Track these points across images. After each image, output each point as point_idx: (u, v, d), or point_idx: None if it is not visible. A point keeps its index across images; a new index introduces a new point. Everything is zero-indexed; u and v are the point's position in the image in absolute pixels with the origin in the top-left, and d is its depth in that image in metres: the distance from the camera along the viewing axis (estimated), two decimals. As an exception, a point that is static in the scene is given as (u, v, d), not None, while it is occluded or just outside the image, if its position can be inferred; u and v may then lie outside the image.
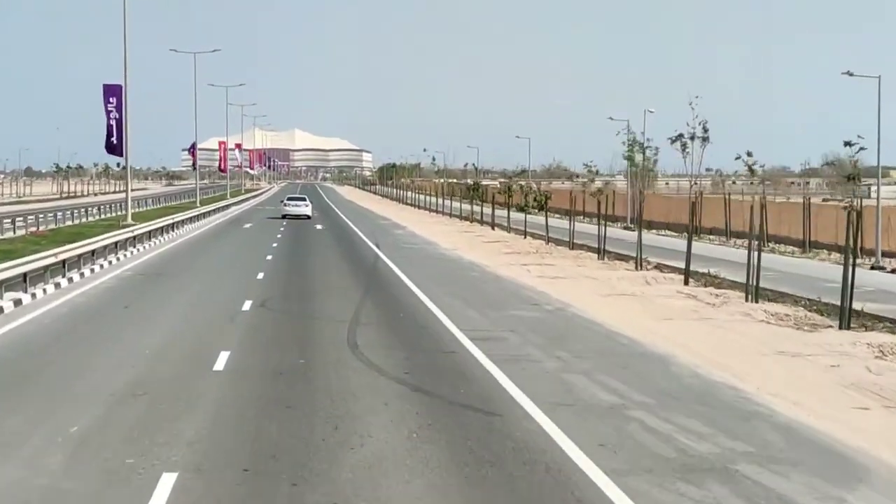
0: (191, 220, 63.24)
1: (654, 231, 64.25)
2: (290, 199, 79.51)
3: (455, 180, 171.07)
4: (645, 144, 47.34)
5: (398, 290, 28.44)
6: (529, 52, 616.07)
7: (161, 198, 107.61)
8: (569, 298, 26.54)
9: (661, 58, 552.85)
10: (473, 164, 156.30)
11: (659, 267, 36.06)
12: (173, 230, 54.06)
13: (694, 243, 33.42)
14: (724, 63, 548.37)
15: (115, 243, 39.59)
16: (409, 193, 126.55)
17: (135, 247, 42.44)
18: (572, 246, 45.70)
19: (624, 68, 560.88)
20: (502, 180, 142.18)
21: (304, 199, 79.29)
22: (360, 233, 56.78)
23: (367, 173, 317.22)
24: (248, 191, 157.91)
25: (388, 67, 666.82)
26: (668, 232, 64.69)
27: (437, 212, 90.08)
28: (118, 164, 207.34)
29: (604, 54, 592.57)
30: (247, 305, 24.06)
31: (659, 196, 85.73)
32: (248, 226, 63.45)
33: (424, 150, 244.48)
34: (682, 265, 32.42)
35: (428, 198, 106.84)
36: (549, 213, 55.39)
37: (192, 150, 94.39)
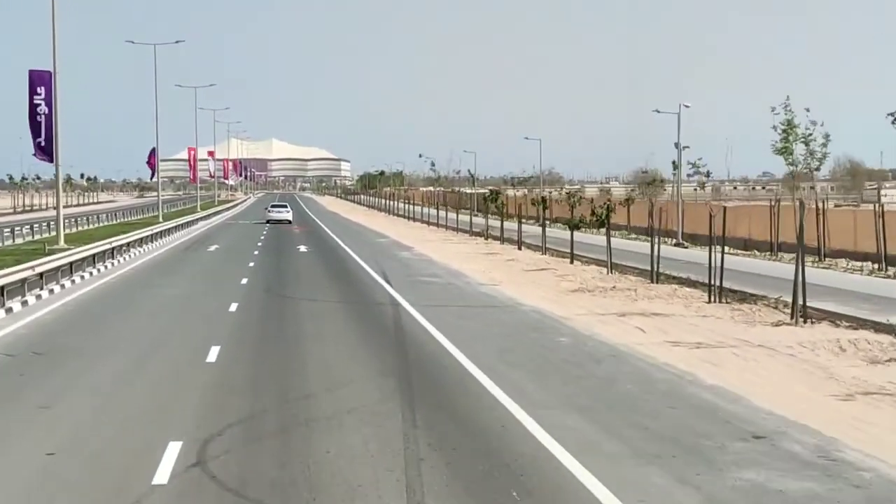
0: (144, 240, 49.95)
1: (734, 251, 51.71)
2: (273, 206, 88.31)
3: (452, 189, 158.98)
4: (809, 133, 34.00)
5: (462, 394, 15.11)
6: (507, 55, 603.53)
7: (123, 212, 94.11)
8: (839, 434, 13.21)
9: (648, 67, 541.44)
10: (469, 171, 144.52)
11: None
12: (116, 256, 40.79)
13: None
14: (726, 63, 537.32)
15: (23, 280, 26.65)
16: (397, 203, 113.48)
17: (54, 284, 29.40)
18: (656, 277, 32.57)
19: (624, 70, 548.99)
20: (502, 187, 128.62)
21: (285, 206, 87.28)
22: (356, 257, 43.64)
23: (348, 182, 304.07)
24: (222, 202, 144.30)
25: (366, 76, 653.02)
26: (746, 252, 51.83)
27: (436, 225, 76.99)
28: (81, 175, 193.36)
29: (592, 55, 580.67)
30: (167, 468, 10.88)
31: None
32: (213, 248, 50.15)
33: (420, 155, 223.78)
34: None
35: (418, 208, 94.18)
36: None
37: (152, 157, 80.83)
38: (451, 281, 33.64)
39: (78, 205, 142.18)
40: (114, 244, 40.51)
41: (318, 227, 73.45)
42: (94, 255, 37.07)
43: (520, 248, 49.91)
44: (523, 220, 55.07)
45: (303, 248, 49.50)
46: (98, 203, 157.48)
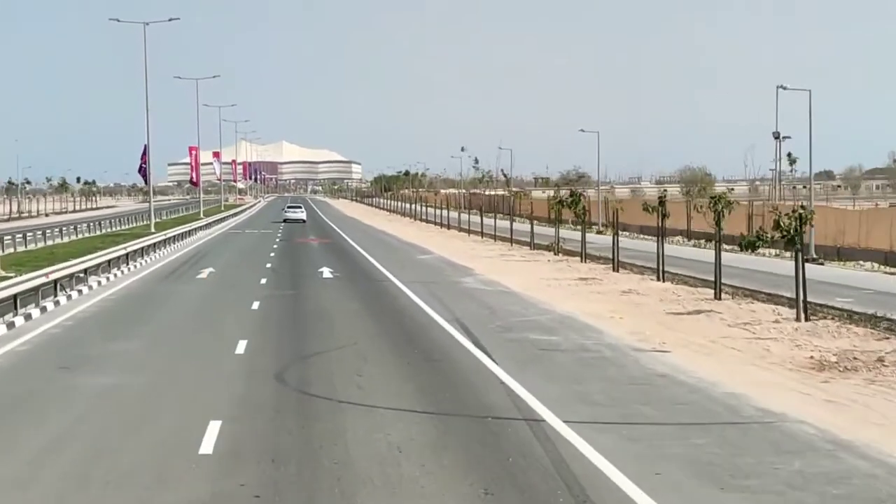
0: (114, 263, 36.68)
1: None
2: (289, 207, 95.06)
3: (480, 190, 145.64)
4: None
5: None
6: (520, 54, 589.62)
7: (116, 219, 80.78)
8: None
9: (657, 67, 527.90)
10: (503, 171, 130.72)
11: None
12: (59, 294, 27.48)
13: None
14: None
15: None
16: (420, 207, 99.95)
17: None
18: (804, 312, 19.20)
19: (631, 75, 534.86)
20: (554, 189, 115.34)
21: (300, 207, 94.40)
22: (405, 289, 30.32)
23: (360, 185, 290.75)
24: (229, 207, 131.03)
25: (376, 77, 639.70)
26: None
27: (477, 233, 63.63)
28: (78, 179, 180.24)
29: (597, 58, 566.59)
30: None
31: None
32: (205, 273, 36.55)
33: (462, 149, 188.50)
34: None
35: (442, 212, 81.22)
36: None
37: (143, 155, 67.43)
38: (580, 341, 20.17)
39: (65, 211, 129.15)
40: (51, 276, 26.94)
41: (341, 239, 60.14)
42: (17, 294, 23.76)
43: (616, 270, 36.54)
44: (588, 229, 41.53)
45: (327, 274, 36.06)
46: (95, 209, 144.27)
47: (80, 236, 61.85)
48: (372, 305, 26.43)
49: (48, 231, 60.20)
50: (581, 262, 40.33)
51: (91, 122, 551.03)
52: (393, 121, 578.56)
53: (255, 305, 26.07)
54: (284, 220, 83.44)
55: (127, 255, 39.60)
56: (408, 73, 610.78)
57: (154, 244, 47.36)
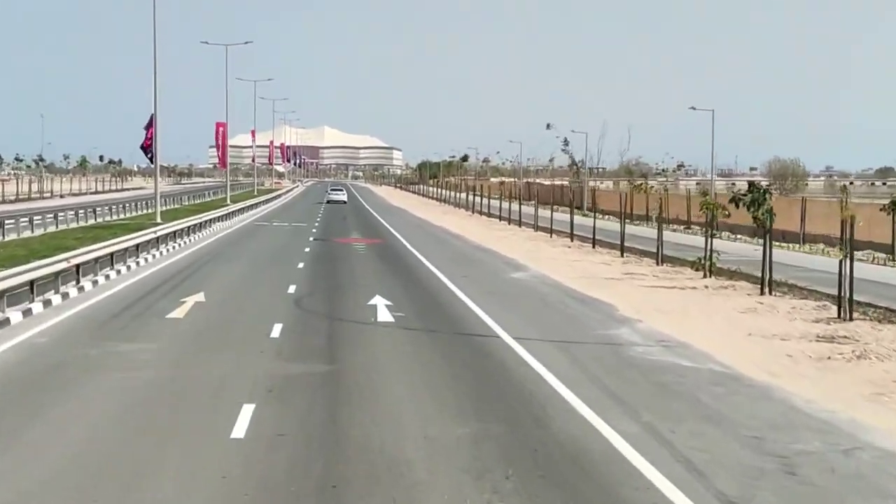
0: (77, 274, 22.70)
1: None
2: (332, 189, 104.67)
3: (533, 180, 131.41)
4: None
5: None
6: (563, 44, 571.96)
7: (124, 205, 67.01)
8: None
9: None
10: (574, 160, 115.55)
11: None
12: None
13: None
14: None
15: None
16: (471, 196, 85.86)
17: None
18: None
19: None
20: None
21: (341, 189, 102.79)
22: (536, 364, 15.75)
23: (405, 171, 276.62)
24: (263, 192, 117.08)
25: (419, 63, 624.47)
26: None
27: (559, 233, 49.45)
28: (102, 158, 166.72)
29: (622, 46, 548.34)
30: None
31: None
32: (184, 308, 21.74)
33: (548, 126, 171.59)
34: None
35: (500, 203, 68.40)
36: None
37: (149, 128, 52.99)
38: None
39: (84, 192, 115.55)
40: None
41: (393, 239, 45.70)
42: None
43: (767, 292, 22.19)
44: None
45: (384, 311, 21.46)
46: (121, 190, 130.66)
47: (50, 230, 47.75)
48: (495, 430, 11.97)
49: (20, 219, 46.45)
50: (765, 293, 25.67)
51: (124, 98, 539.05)
52: (435, 107, 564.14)
53: (244, 420, 11.81)
54: (328, 202, 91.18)
55: (114, 254, 25.43)
56: (452, 59, 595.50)
57: (138, 245, 33.18)
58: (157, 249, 35.82)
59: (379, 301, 23.00)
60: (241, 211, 66.48)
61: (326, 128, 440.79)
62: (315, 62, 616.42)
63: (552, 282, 29.00)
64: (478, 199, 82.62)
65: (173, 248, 38.24)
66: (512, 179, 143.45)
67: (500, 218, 66.20)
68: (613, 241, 40.54)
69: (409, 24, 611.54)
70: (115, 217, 59.12)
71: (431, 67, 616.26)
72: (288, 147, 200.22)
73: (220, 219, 55.55)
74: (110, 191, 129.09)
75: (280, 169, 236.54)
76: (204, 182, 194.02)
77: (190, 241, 42.14)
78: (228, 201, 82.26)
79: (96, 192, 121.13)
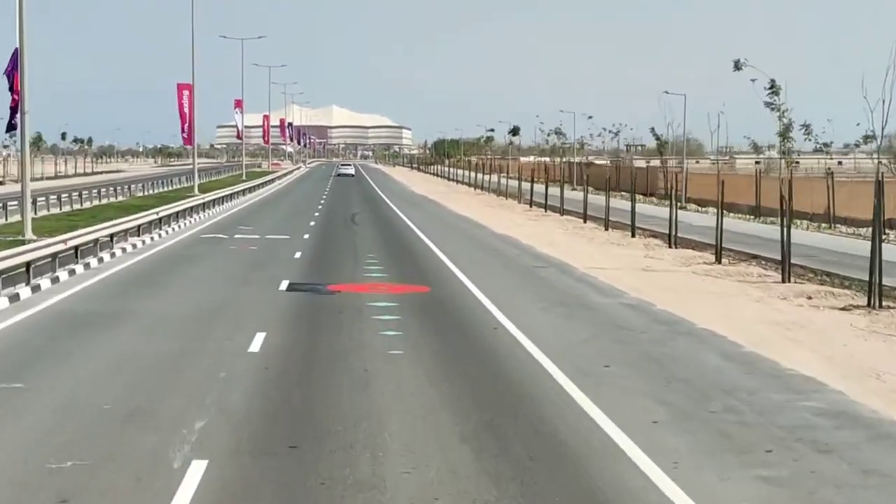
0: None
1: None
2: (341, 164, 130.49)
3: (562, 159, 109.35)
4: None
5: None
6: (571, 21, 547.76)
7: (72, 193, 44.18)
8: None
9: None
10: (658, 136, 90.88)
11: None
12: None
13: None
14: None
15: None
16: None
17: None
18: None
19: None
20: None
21: (350, 165, 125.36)
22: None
23: (416, 150, 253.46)
24: (255, 175, 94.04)
25: (426, 41, 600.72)
26: None
27: (645, 231, 27.71)
28: (64, 136, 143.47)
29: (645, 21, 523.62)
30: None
31: None
32: None
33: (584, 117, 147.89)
34: None
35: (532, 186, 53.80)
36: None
37: (12, 68, 30.33)
38: None
39: (76, 173, 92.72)
40: None
41: (447, 280, 22.58)
42: None
43: None
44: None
45: None
46: (90, 174, 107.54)
47: None
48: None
49: None
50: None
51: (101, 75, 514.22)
52: (445, 86, 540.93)
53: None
54: (338, 175, 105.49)
55: None
56: (461, 38, 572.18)
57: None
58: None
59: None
60: (196, 209, 43.75)
61: (335, 107, 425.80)
62: (324, 40, 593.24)
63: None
64: (516, 182, 60.90)
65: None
66: (544, 159, 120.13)
67: (549, 208, 43.02)
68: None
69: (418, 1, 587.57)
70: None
71: (442, 45, 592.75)
72: (293, 126, 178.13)
73: (160, 223, 32.89)
74: (76, 174, 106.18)
75: (288, 149, 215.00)
76: (199, 164, 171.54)
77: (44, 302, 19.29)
78: (196, 191, 59.70)
79: (39, 179, 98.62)
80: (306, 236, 34.07)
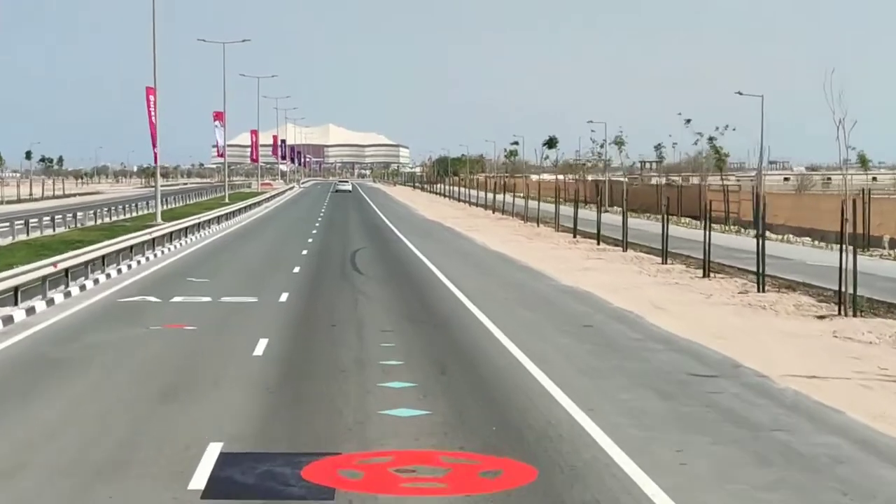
0: None
1: None
2: (339, 181, 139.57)
3: (576, 176, 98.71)
4: None
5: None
6: (570, 38, 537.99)
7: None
8: None
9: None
10: (718, 150, 77.98)
11: None
12: None
13: None
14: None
15: None
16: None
17: None
18: None
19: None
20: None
21: (347, 182, 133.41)
22: None
23: (417, 168, 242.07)
24: (240, 196, 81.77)
25: (425, 60, 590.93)
26: None
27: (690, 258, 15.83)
28: (29, 155, 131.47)
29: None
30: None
31: None
32: None
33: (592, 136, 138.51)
34: None
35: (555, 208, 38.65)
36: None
37: None
38: None
39: (69, 194, 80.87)
40: None
41: (492, 355, 10.94)
42: None
43: None
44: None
45: None
46: (61, 197, 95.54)
47: None
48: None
49: None
50: None
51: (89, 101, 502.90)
52: (441, 105, 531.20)
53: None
54: (335, 191, 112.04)
55: None
56: (459, 56, 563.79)
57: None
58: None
59: None
60: (123, 255, 31.88)
61: (331, 125, 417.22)
62: (320, 60, 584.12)
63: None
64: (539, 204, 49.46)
65: None
66: (557, 177, 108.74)
67: (587, 236, 31.33)
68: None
69: (416, 17, 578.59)
70: None
71: (438, 64, 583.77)
72: (287, 144, 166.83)
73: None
74: (44, 198, 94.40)
75: (282, 168, 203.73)
76: (177, 185, 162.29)
77: None
78: (159, 219, 48.01)
79: (26, 200, 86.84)
80: (283, 297, 21.99)
